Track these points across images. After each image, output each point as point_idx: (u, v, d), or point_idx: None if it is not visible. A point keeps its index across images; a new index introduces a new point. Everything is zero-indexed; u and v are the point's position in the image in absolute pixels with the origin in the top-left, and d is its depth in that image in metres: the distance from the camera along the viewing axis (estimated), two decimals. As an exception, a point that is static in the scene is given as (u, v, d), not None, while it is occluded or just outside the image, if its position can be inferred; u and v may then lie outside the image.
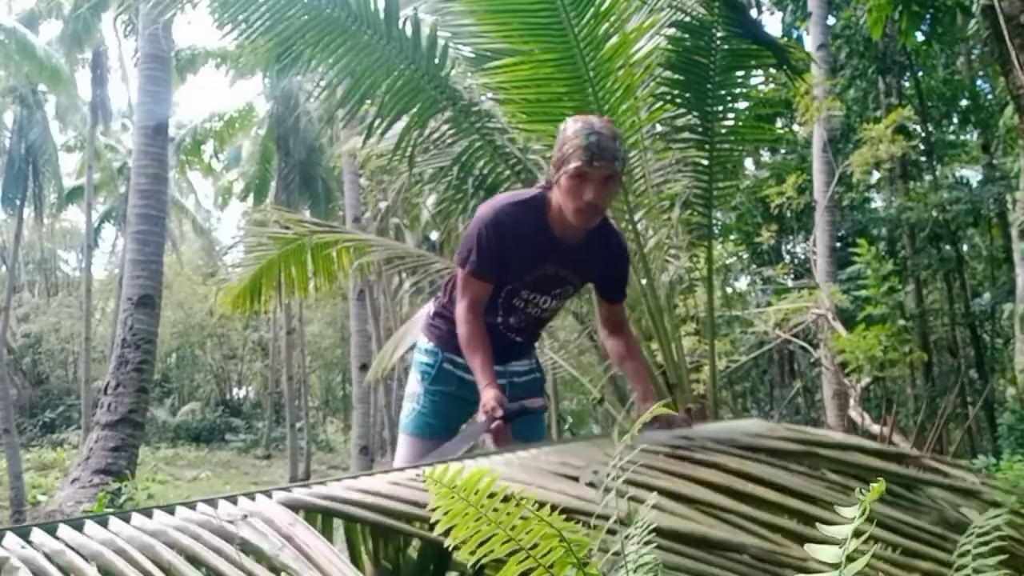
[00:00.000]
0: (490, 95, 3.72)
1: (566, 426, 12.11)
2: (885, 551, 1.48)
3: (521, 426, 2.37)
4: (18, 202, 19.45)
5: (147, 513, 1.29)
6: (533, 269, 2.34)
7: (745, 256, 10.16)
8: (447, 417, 2.48)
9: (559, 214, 2.26)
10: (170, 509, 1.31)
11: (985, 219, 10.60)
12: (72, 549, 1.13)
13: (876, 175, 10.24)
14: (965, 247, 11.82)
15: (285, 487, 1.46)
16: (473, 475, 1.07)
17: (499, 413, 2.16)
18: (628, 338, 2.48)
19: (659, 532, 1.19)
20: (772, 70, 4.24)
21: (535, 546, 1.06)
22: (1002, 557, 1.10)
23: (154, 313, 8.28)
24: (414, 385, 2.54)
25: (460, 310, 2.35)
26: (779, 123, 8.69)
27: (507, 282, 2.36)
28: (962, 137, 12.18)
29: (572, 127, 2.21)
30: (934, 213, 9.33)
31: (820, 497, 1.63)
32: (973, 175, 11.57)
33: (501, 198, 2.43)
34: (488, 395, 2.20)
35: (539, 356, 2.79)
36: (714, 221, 4.03)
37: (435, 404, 2.49)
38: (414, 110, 3.57)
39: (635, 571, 1.13)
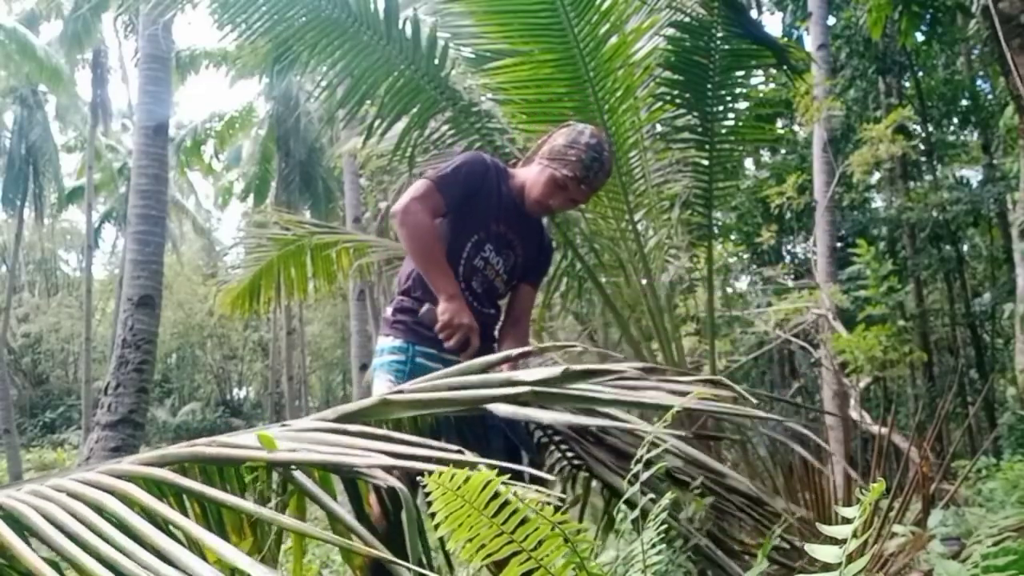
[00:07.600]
0: (490, 96, 3.72)
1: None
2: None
3: None
4: (18, 202, 19.49)
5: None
6: (494, 221, 2.43)
7: (745, 256, 10.15)
8: None
9: (520, 186, 2.43)
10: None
11: (985, 219, 10.60)
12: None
13: (876, 175, 10.24)
14: (965, 247, 11.82)
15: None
16: (475, 479, 1.07)
17: (475, 341, 2.24)
18: (523, 326, 2.55)
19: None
20: (772, 70, 4.25)
21: (537, 547, 1.06)
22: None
23: (154, 313, 8.24)
24: (385, 388, 2.20)
25: (406, 202, 2.29)
26: (779, 123, 8.69)
27: (473, 229, 2.40)
28: (962, 137, 12.18)
29: (586, 138, 2.36)
30: (934, 213, 9.33)
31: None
32: (973, 175, 11.57)
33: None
34: (454, 306, 2.26)
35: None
36: (714, 221, 4.02)
37: None
38: (414, 110, 3.57)
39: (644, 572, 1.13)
